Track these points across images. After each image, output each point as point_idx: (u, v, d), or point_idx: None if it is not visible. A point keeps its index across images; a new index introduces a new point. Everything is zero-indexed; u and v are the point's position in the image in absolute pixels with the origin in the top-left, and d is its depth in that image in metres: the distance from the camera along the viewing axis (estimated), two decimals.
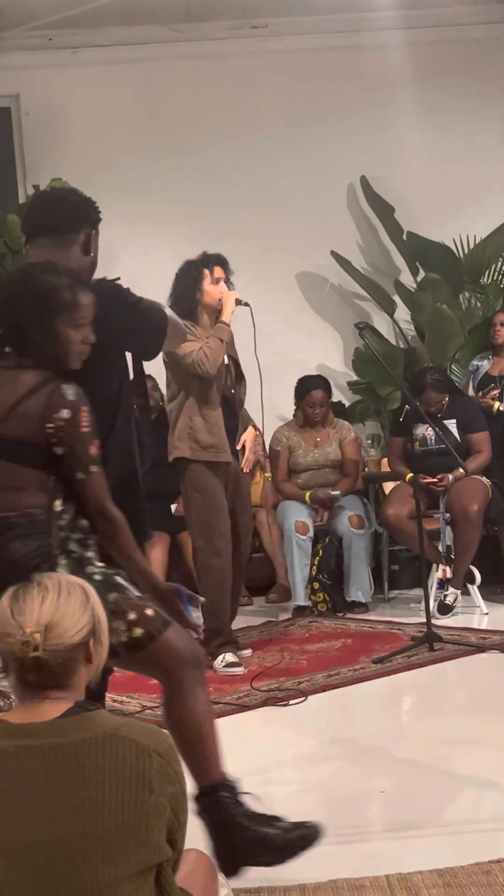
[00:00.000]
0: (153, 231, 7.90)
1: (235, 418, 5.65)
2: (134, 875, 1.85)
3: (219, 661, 5.43)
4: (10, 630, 1.95)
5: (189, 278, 5.54)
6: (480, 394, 6.95)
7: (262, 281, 7.78)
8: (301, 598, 6.71)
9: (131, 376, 3.29)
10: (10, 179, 7.92)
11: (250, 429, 5.79)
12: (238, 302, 5.54)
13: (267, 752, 4.39)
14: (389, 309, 7.94)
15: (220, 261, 5.60)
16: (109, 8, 7.59)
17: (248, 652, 5.69)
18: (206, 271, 5.54)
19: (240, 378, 5.72)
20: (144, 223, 7.92)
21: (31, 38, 7.75)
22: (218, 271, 5.55)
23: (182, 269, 5.60)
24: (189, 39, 7.94)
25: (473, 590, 6.58)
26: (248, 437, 5.74)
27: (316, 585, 6.75)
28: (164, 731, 1.99)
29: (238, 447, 5.68)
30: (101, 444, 2.91)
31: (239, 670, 5.40)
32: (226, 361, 5.57)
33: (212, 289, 5.54)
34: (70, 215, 3.10)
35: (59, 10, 7.49)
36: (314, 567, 6.75)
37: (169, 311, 3.13)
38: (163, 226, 7.91)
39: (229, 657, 5.46)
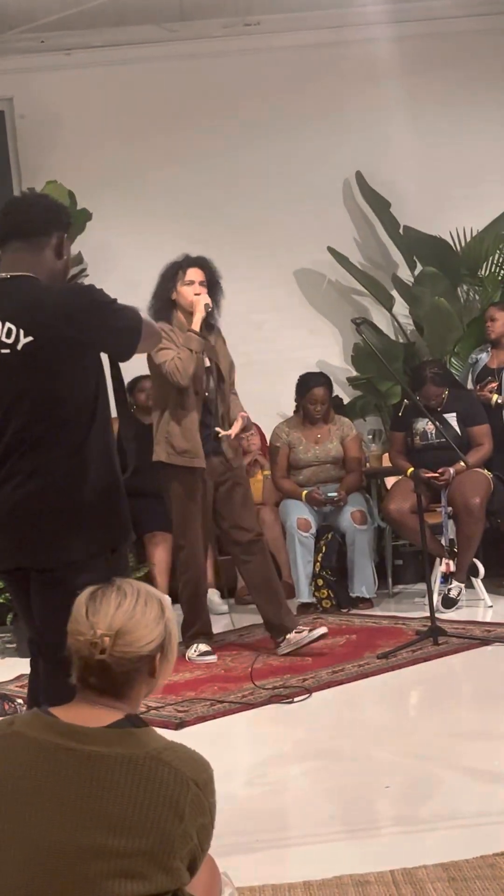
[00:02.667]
0: (149, 230, 7.90)
1: (216, 422, 5.70)
2: None
3: (192, 651, 5.63)
4: (81, 628, 1.96)
5: (165, 279, 5.64)
6: (479, 387, 6.95)
7: (259, 278, 7.80)
8: (305, 594, 6.71)
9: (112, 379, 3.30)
10: (5, 182, 7.91)
11: (240, 415, 5.79)
12: (206, 307, 5.58)
13: (272, 750, 4.39)
14: (388, 304, 7.93)
15: (199, 263, 5.66)
16: (102, 9, 7.58)
17: (321, 630, 5.59)
18: (181, 272, 5.61)
19: (221, 379, 5.73)
20: (140, 223, 7.92)
21: (25, 41, 7.75)
22: (192, 273, 5.61)
23: (163, 269, 5.69)
24: (182, 39, 7.94)
25: (477, 583, 6.58)
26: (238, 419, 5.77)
27: (320, 582, 6.76)
28: (206, 760, 1.97)
29: (230, 432, 5.72)
30: (78, 446, 2.92)
31: (211, 658, 5.60)
32: (206, 364, 5.64)
33: (184, 290, 5.61)
34: (41, 219, 3.10)
35: (52, 12, 7.49)
36: (317, 563, 6.75)
37: (144, 313, 3.13)
38: (159, 225, 7.90)
39: (203, 646, 5.67)
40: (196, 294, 5.58)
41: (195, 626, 5.73)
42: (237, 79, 8.03)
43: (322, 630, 5.59)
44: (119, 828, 1.83)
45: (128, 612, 1.97)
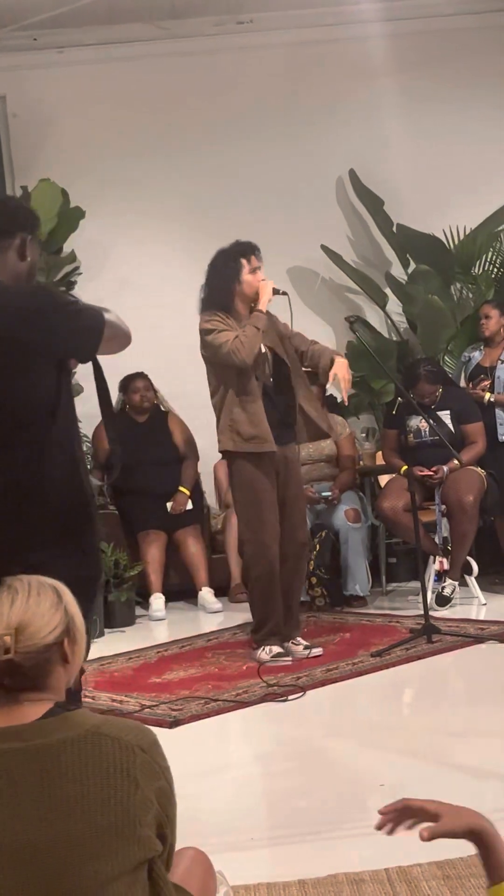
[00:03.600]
0: (143, 229, 7.90)
1: (276, 408, 5.54)
2: (126, 872, 1.85)
3: (265, 652, 5.44)
4: None
5: (228, 269, 5.47)
6: (471, 384, 6.96)
7: None
8: None
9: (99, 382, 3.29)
10: None
11: (337, 359, 5.64)
12: (276, 291, 5.51)
13: (266, 748, 4.39)
14: (381, 301, 7.93)
15: (255, 249, 5.53)
16: (94, 7, 7.57)
17: (318, 651, 5.54)
18: (244, 261, 5.48)
19: (282, 364, 5.62)
20: (133, 221, 7.92)
21: (16, 39, 7.74)
22: (254, 260, 5.50)
23: (218, 260, 5.52)
24: (175, 37, 7.93)
25: (471, 581, 6.58)
26: (337, 366, 5.63)
27: (313, 580, 6.75)
28: (147, 726, 1.98)
29: (330, 380, 5.63)
30: (39, 447, 2.91)
31: (286, 661, 5.40)
32: (263, 350, 5.50)
33: (250, 278, 5.48)
34: (4, 221, 3.08)
35: (44, 10, 7.47)
36: (311, 562, 6.74)
37: (109, 315, 3.11)
38: (152, 223, 7.91)
39: (276, 648, 5.46)
40: (262, 279, 5.49)
41: (267, 626, 5.52)
42: (230, 77, 8.03)
43: (318, 651, 5.53)
44: (79, 810, 1.84)
45: (22, 606, 1.96)
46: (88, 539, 3.07)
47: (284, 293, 5.54)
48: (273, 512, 5.47)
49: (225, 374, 5.45)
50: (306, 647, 5.51)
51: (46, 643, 1.96)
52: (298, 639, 5.58)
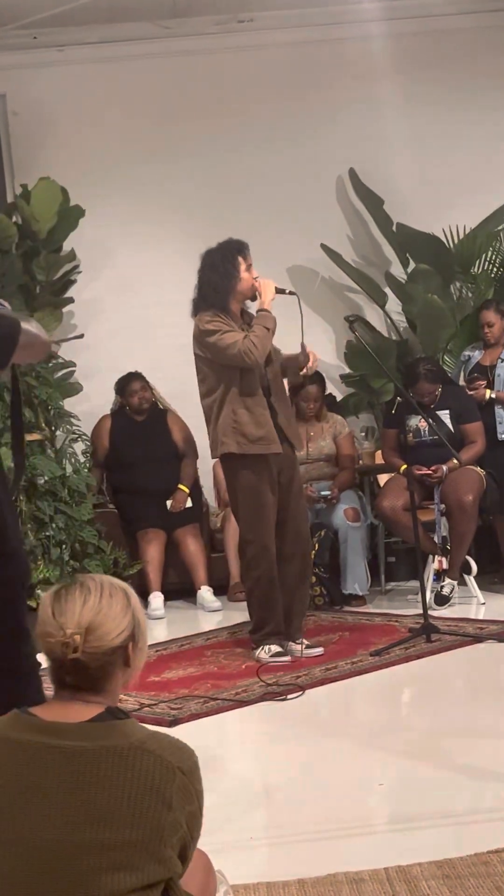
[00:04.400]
0: (142, 227, 7.90)
1: (274, 409, 5.50)
2: (142, 887, 1.85)
3: (265, 652, 5.44)
4: (50, 630, 1.95)
5: (226, 267, 5.39)
6: (466, 383, 6.94)
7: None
8: None
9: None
10: None
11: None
12: (281, 291, 5.48)
13: (265, 747, 4.39)
14: (381, 301, 7.93)
15: (247, 246, 5.47)
16: (95, 5, 7.57)
17: (318, 650, 5.54)
18: (241, 258, 5.42)
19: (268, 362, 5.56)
20: (134, 220, 7.92)
21: (17, 38, 7.74)
22: (248, 257, 5.45)
23: (214, 258, 5.44)
24: (175, 35, 7.93)
25: (470, 580, 6.58)
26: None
27: (313, 579, 6.74)
28: (190, 748, 1.97)
29: (310, 363, 5.57)
30: None
31: (285, 660, 5.39)
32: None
33: (247, 276, 5.44)
34: None
35: (44, 9, 7.47)
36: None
37: (27, 324, 3.08)
38: (152, 221, 7.91)
39: (275, 647, 5.45)
40: (255, 277, 5.45)
41: (267, 627, 5.50)
42: (230, 76, 8.03)
43: (319, 650, 5.53)
44: (108, 820, 1.84)
45: (94, 607, 1.97)
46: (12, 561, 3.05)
47: (293, 293, 5.50)
48: (274, 514, 5.47)
49: (227, 374, 5.39)
50: (308, 647, 5.52)
51: (114, 646, 1.97)
52: (299, 640, 5.59)
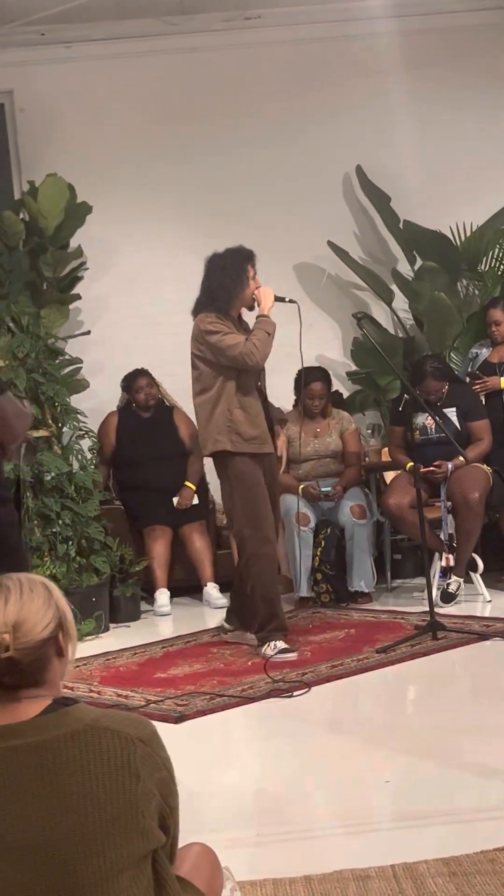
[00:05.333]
0: (149, 224, 7.90)
1: (268, 411, 5.67)
2: (130, 865, 1.86)
3: (270, 648, 5.46)
4: None
5: (238, 273, 5.53)
6: (472, 381, 6.93)
7: (259, 273, 7.75)
8: (304, 589, 6.72)
9: None
10: (5, 176, 7.92)
11: (282, 435, 5.83)
12: (281, 299, 5.59)
13: (271, 744, 4.40)
14: (387, 298, 7.93)
15: (255, 256, 5.64)
16: (102, 2, 7.57)
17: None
18: (250, 266, 5.57)
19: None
20: (140, 216, 7.92)
21: (24, 34, 7.74)
22: (255, 267, 5.62)
23: (227, 261, 5.57)
24: (182, 32, 7.93)
25: (476, 578, 6.58)
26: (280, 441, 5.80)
27: (318, 576, 6.76)
28: (145, 718, 1.99)
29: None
30: None
31: (291, 656, 5.43)
32: None
33: (252, 285, 5.59)
34: None
35: (52, 6, 7.47)
36: (316, 558, 6.75)
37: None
38: (159, 218, 7.91)
39: (280, 643, 5.48)
40: (258, 286, 5.59)
41: (272, 623, 5.55)
42: (237, 73, 8.02)
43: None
44: (82, 805, 1.85)
45: (16, 604, 1.98)
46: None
47: (292, 301, 5.58)
48: (269, 509, 5.58)
49: (225, 374, 5.50)
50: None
51: (42, 638, 1.98)
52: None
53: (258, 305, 5.60)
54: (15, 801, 1.87)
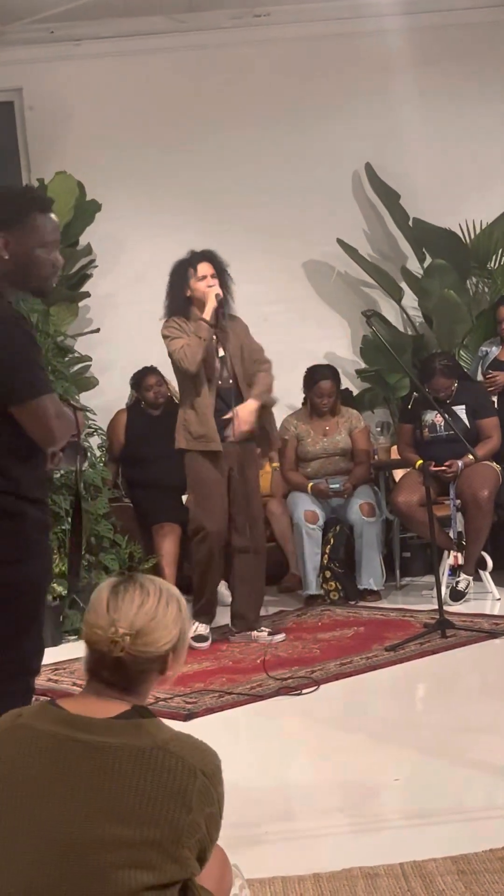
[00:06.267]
0: (158, 222, 7.89)
1: (230, 409, 5.82)
2: (159, 886, 1.86)
3: (192, 630, 5.76)
4: (101, 622, 1.96)
5: (177, 277, 5.86)
6: (485, 378, 6.92)
7: (268, 270, 7.79)
8: (313, 586, 6.72)
9: None
10: (14, 173, 7.91)
11: (249, 401, 5.86)
12: (217, 298, 5.77)
13: (280, 742, 4.40)
14: (396, 296, 7.92)
15: (206, 257, 5.86)
16: (111, 0, 7.57)
17: (281, 636, 5.88)
18: (192, 270, 5.81)
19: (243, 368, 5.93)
20: (149, 214, 7.92)
21: (33, 32, 7.74)
22: (202, 268, 5.81)
23: (172, 268, 5.91)
24: (191, 29, 7.92)
25: (485, 576, 6.58)
26: (241, 408, 5.83)
27: (327, 574, 6.75)
28: (213, 750, 1.98)
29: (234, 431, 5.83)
30: None
31: (203, 645, 5.78)
32: (221, 354, 5.83)
33: (198, 285, 5.81)
34: None
35: (61, 3, 7.46)
36: (325, 556, 6.75)
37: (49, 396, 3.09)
38: (168, 216, 7.90)
39: (200, 628, 5.87)
40: (209, 286, 5.77)
41: (198, 605, 5.91)
42: (246, 70, 8.01)
43: (281, 636, 5.85)
44: (128, 818, 1.84)
45: (150, 612, 1.96)
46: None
47: (217, 295, 5.75)
48: (221, 504, 5.82)
49: (180, 377, 5.87)
50: (270, 634, 5.84)
51: (159, 653, 1.97)
52: (262, 627, 5.93)
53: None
54: (63, 793, 1.86)
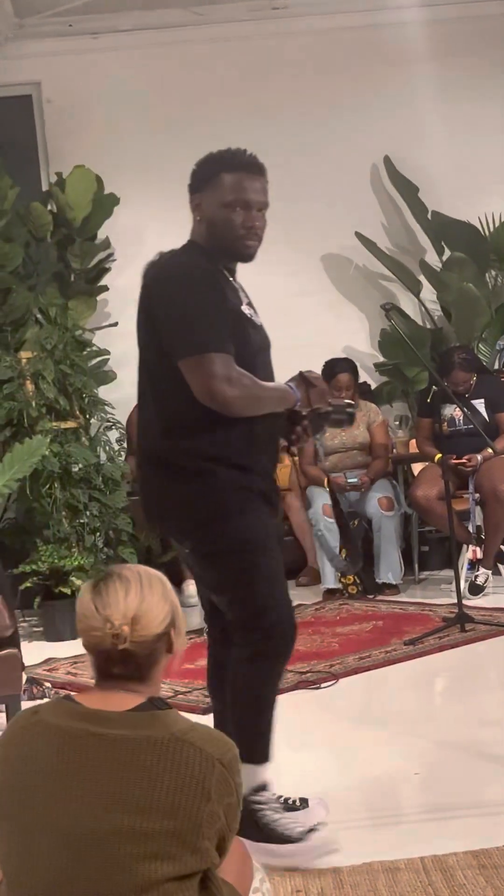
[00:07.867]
0: (177, 215, 7.79)
1: None
2: (179, 877, 1.86)
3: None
4: (96, 624, 1.98)
5: None
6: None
7: (287, 263, 7.77)
8: (331, 580, 6.72)
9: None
10: (32, 167, 7.92)
11: None
12: None
13: (299, 736, 4.39)
14: (415, 289, 7.90)
15: None
16: None
17: None
18: None
19: None
20: (168, 207, 7.86)
21: (52, 25, 7.75)
22: None
23: None
24: (209, 22, 7.91)
25: None
26: None
27: None
28: (230, 740, 1.98)
29: None
30: None
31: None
32: None
33: None
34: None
35: None
36: (343, 550, 6.74)
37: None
38: (186, 210, 7.79)
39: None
40: None
41: None
42: (264, 62, 8.00)
43: None
44: (147, 810, 1.85)
45: (137, 597, 1.99)
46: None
47: None
48: None
49: None
50: None
51: (158, 633, 2.00)
52: None
53: None
54: (81, 787, 1.87)
